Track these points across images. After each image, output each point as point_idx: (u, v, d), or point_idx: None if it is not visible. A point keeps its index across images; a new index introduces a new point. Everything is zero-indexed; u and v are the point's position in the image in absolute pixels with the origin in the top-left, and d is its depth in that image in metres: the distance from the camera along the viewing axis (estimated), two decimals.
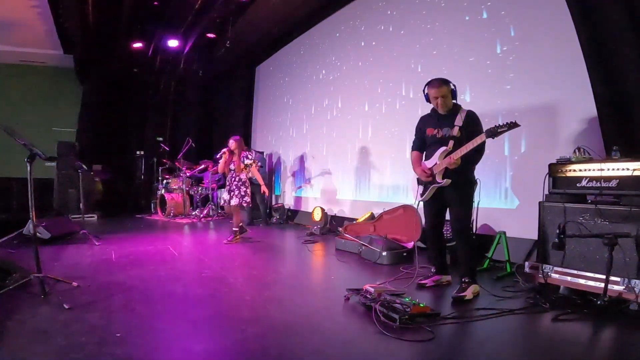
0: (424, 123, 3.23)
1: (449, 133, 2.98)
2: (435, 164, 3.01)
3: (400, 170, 5.40)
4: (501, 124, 2.70)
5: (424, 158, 3.19)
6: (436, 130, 3.07)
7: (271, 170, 8.77)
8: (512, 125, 2.63)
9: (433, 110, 3.16)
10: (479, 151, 2.89)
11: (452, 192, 2.98)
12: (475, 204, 3.36)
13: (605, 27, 3.36)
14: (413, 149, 3.30)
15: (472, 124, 2.94)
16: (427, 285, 3.13)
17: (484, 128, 2.83)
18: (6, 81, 9.11)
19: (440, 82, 3.02)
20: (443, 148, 2.97)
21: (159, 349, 1.96)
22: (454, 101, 3.06)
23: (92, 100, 9.37)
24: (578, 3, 3.51)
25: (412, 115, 5.19)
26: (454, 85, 3.04)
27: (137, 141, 9.93)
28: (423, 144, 3.22)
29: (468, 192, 3.00)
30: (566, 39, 3.57)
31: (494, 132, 2.68)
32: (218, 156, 5.50)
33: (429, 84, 3.07)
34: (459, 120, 2.96)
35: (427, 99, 3.12)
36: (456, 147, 2.89)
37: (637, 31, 3.19)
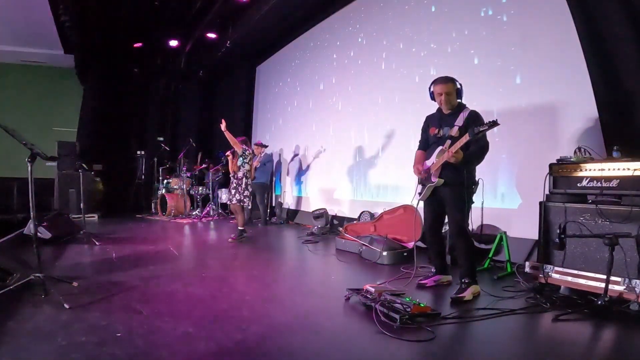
0: (428, 122, 3.24)
1: (448, 133, 2.98)
2: (433, 163, 3.02)
3: (400, 170, 5.39)
4: (483, 122, 2.74)
5: (426, 158, 3.18)
6: (437, 130, 3.08)
7: (271, 170, 8.76)
8: (493, 124, 2.64)
9: (438, 109, 3.16)
10: (478, 152, 2.87)
11: (447, 192, 2.97)
12: (479, 205, 3.35)
13: (605, 27, 3.37)
14: (418, 147, 3.31)
15: (473, 123, 2.88)
16: (427, 285, 3.13)
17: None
18: (6, 81, 9.12)
19: (446, 79, 3.04)
20: (440, 148, 2.98)
21: (159, 349, 1.96)
22: (459, 100, 3.06)
23: (93, 100, 9.38)
24: (579, 3, 3.50)
25: (412, 116, 5.21)
26: (460, 85, 3.03)
27: (137, 141, 9.93)
28: (427, 143, 3.22)
29: (464, 193, 2.92)
30: (567, 39, 3.57)
31: (476, 132, 2.70)
32: (223, 157, 5.55)
33: (434, 81, 3.08)
34: (460, 120, 2.96)
35: (432, 97, 3.11)
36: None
37: (638, 31, 3.18)
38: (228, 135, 5.19)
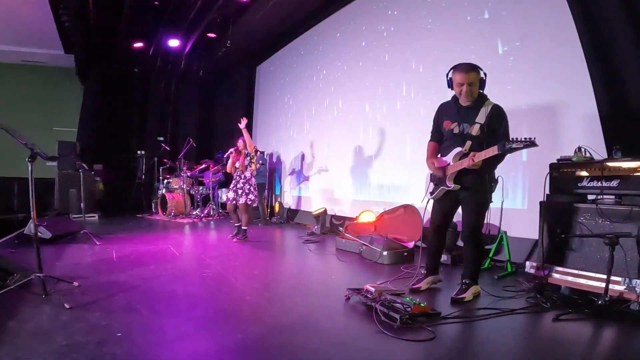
0: (441, 113, 2.94)
1: (468, 130, 2.72)
2: (448, 164, 2.81)
3: (400, 169, 5.39)
4: (518, 138, 2.43)
5: (440, 153, 2.97)
6: (454, 125, 2.79)
7: (271, 170, 8.77)
8: (529, 144, 2.38)
9: (454, 98, 2.85)
10: (502, 155, 2.63)
11: (467, 196, 2.79)
12: (499, 204, 3.26)
13: (606, 26, 3.36)
14: (430, 139, 3.03)
15: (497, 122, 2.65)
16: (422, 289, 3.01)
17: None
18: (6, 81, 9.12)
19: (469, 67, 2.69)
20: (458, 149, 2.75)
21: (159, 349, 1.96)
22: (480, 91, 2.75)
23: (93, 99, 9.39)
24: (579, 3, 3.50)
25: (412, 116, 5.22)
26: (485, 74, 2.72)
27: (137, 141, 9.94)
28: (441, 135, 2.95)
29: (483, 195, 2.76)
30: (567, 38, 3.57)
31: (508, 149, 2.45)
32: (225, 156, 5.55)
33: (455, 68, 2.75)
34: (481, 117, 2.67)
35: (450, 85, 2.80)
36: (474, 147, 2.67)
37: (638, 31, 3.18)
38: (246, 134, 5.25)
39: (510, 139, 2.47)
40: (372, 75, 6.07)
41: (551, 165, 3.08)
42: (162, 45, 8.39)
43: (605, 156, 3.01)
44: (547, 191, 3.06)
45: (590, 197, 2.88)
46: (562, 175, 3.01)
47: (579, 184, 2.90)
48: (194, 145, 8.92)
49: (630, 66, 3.24)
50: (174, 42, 8.09)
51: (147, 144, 9.85)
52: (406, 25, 5.49)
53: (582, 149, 2.97)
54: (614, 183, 2.71)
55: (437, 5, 5.03)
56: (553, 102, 3.78)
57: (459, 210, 2.97)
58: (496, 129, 2.70)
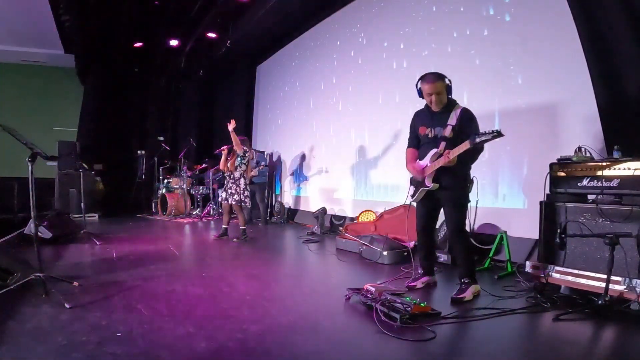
0: (416, 120, 3.10)
1: (441, 133, 2.87)
2: (427, 165, 2.93)
3: (400, 169, 5.34)
4: (485, 131, 2.56)
5: (418, 157, 3.07)
6: (429, 130, 2.95)
7: (271, 170, 8.77)
8: (496, 135, 2.48)
9: (426, 106, 3.01)
10: (475, 151, 2.77)
11: (445, 193, 2.90)
12: (473, 204, 3.32)
13: (606, 26, 3.36)
14: (408, 145, 3.18)
15: (467, 123, 2.82)
16: (417, 287, 3.06)
17: (480, 128, 2.76)
18: (6, 81, 9.12)
19: (435, 77, 2.85)
20: (434, 150, 2.88)
21: (159, 349, 1.96)
22: (449, 97, 2.91)
23: (93, 99, 9.40)
24: (579, 3, 3.50)
25: (412, 115, 5.21)
26: (450, 80, 2.87)
27: (137, 141, 9.95)
28: (418, 140, 3.09)
29: (462, 193, 2.90)
30: (567, 38, 3.57)
31: (479, 141, 2.57)
32: (217, 152, 5.52)
33: (422, 78, 2.91)
34: (452, 119, 2.83)
35: (420, 95, 2.96)
36: (448, 147, 2.78)
37: (638, 31, 3.18)
38: (233, 135, 5.15)
39: (479, 132, 2.62)
40: (373, 76, 6.06)
41: (551, 165, 3.08)
42: (162, 45, 8.39)
43: (605, 156, 3.02)
44: (547, 191, 3.06)
45: (590, 197, 2.88)
46: (562, 175, 3.01)
47: (579, 184, 2.90)
48: (194, 145, 8.92)
49: (630, 66, 3.24)
50: (174, 42, 8.09)
51: (147, 144, 9.86)
52: (406, 25, 5.49)
53: (582, 149, 2.97)
54: (614, 183, 2.71)
55: (438, 6, 5.03)
56: (553, 102, 3.78)
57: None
58: (467, 130, 2.80)
